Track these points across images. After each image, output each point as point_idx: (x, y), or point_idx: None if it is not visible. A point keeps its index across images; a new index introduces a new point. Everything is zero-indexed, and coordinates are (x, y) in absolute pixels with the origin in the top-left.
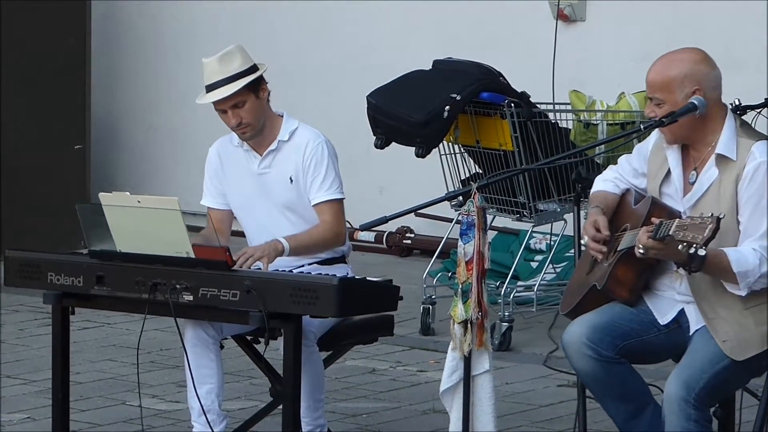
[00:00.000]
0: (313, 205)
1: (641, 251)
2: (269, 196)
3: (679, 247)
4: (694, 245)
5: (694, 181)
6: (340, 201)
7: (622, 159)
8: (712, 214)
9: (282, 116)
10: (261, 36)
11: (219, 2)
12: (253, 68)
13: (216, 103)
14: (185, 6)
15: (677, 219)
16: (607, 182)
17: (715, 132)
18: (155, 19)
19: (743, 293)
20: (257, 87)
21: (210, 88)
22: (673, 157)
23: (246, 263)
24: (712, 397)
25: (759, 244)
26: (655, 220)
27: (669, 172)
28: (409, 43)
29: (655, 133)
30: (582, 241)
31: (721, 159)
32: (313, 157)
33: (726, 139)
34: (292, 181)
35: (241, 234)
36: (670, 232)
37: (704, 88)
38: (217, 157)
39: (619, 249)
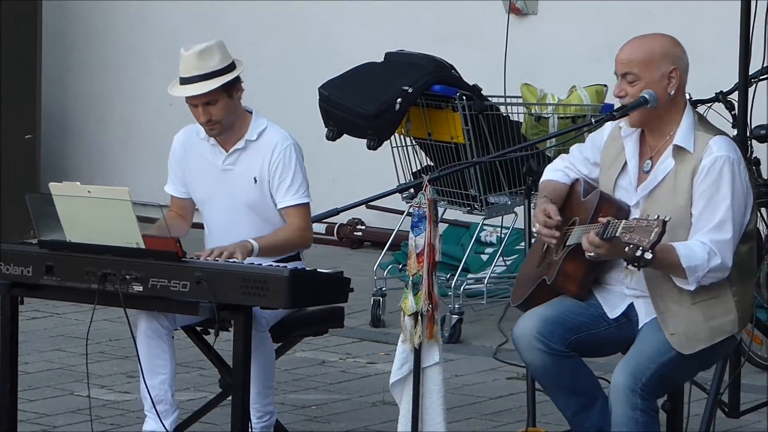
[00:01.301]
0: (281, 209)
1: (591, 254)
2: (231, 193)
3: (626, 249)
4: (640, 248)
5: (649, 170)
6: (307, 205)
7: (574, 148)
8: (658, 217)
9: (251, 113)
10: (216, 26)
11: None
12: (231, 66)
13: (188, 98)
14: None
15: (624, 220)
16: (556, 172)
17: (674, 123)
18: (107, 10)
19: (692, 288)
20: (231, 87)
21: (185, 81)
22: (630, 148)
23: (221, 258)
24: (659, 388)
25: (709, 238)
26: (603, 220)
27: (625, 163)
28: (362, 35)
29: (610, 125)
30: (534, 229)
31: (679, 150)
32: (280, 160)
33: (684, 131)
34: (256, 181)
35: (202, 226)
36: (617, 234)
37: (680, 69)
38: (181, 147)
39: (568, 244)
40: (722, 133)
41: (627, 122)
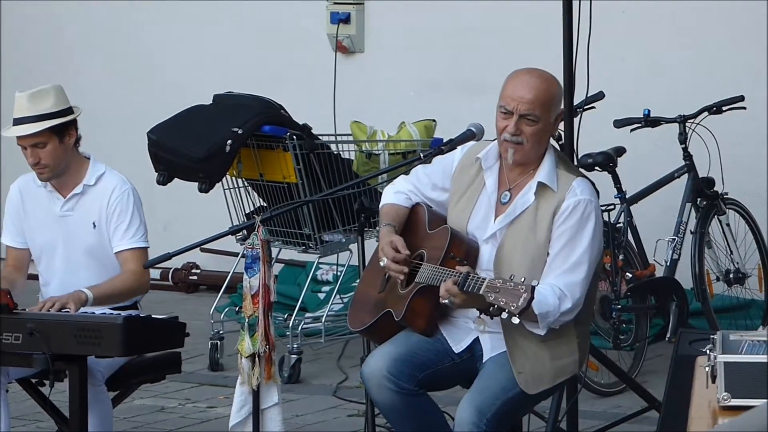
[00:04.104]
0: (116, 253)
1: (446, 301)
2: (70, 240)
3: (491, 309)
4: (507, 312)
5: (507, 202)
6: (144, 249)
7: (419, 170)
8: (524, 280)
9: (89, 159)
10: (41, 69)
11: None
12: (66, 111)
13: (18, 139)
14: None
15: (487, 279)
16: (399, 195)
17: (537, 158)
18: None
19: (542, 332)
20: (63, 131)
21: (16, 122)
22: (491, 181)
23: (53, 308)
24: (503, 422)
25: (562, 280)
26: (462, 269)
27: (480, 193)
28: (190, 78)
29: (460, 152)
30: (381, 263)
31: (541, 187)
32: (118, 203)
33: (547, 169)
34: (95, 226)
35: (36, 277)
36: (480, 292)
37: (562, 111)
38: (18, 195)
39: (417, 281)
40: (582, 174)
41: (485, 152)
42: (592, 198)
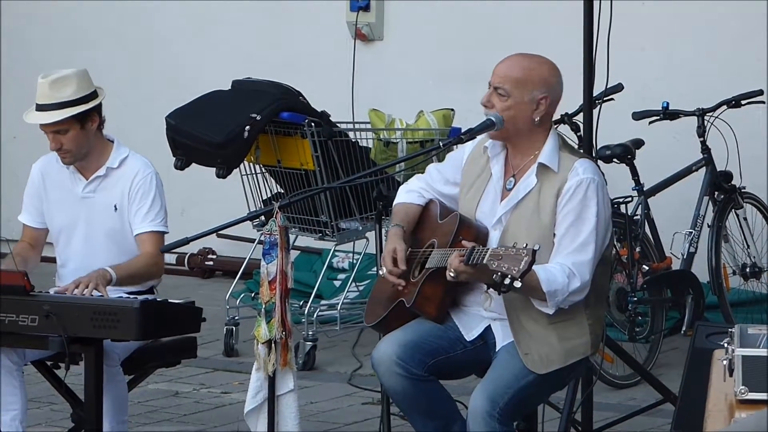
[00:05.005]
0: (136, 235)
1: (453, 275)
2: (91, 222)
3: (494, 276)
4: (509, 276)
5: (512, 188)
6: (162, 234)
7: (431, 168)
8: (526, 245)
9: (113, 142)
10: (58, 53)
11: (11, 18)
12: (90, 96)
13: (40, 125)
14: None
15: (491, 247)
16: (411, 193)
17: (538, 143)
18: None
19: (551, 311)
20: (84, 118)
21: (38, 108)
22: (497, 168)
23: (86, 291)
24: (516, 412)
25: (570, 260)
26: (467, 244)
27: (488, 182)
28: (208, 63)
29: (470, 145)
30: (380, 272)
31: (543, 169)
32: (141, 187)
33: (549, 151)
34: (116, 209)
35: (52, 260)
36: (484, 261)
37: (551, 98)
38: (39, 176)
39: (427, 267)
40: (586, 156)
41: (492, 141)
42: (595, 177)
